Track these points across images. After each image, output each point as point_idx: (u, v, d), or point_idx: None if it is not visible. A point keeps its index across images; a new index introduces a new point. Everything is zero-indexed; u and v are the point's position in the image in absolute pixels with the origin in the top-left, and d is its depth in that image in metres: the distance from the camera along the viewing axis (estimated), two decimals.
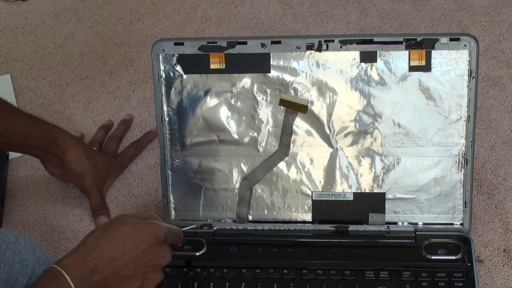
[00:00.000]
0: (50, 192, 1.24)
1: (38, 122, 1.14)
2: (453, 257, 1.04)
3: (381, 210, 1.09)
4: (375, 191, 1.09)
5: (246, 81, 1.07)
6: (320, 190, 1.10)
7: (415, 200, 1.08)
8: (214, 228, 1.11)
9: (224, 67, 1.06)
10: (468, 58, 1.02)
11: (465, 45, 1.01)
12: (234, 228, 1.11)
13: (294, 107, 1.07)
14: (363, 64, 1.04)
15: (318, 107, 1.07)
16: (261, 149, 1.10)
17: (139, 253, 0.90)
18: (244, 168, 1.10)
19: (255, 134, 1.09)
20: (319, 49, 1.04)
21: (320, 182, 1.10)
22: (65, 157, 1.15)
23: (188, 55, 1.06)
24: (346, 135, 1.08)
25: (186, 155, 1.11)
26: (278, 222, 1.11)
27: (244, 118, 1.09)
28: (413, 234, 1.07)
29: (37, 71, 1.48)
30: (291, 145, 1.09)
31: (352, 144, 1.08)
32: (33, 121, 1.13)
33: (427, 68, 1.03)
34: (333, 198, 1.10)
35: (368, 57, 1.04)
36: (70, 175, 1.17)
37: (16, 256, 0.93)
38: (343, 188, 1.09)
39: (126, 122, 1.33)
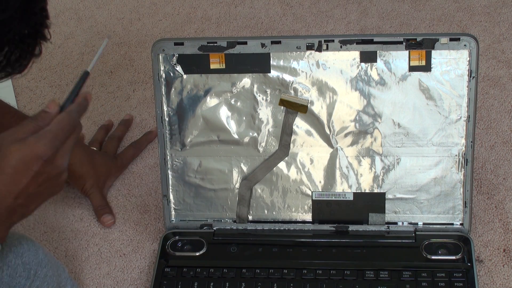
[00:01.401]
0: None
1: None
2: (453, 257, 1.04)
3: (381, 210, 1.09)
4: (375, 191, 1.09)
5: (246, 81, 1.07)
6: (320, 190, 1.10)
7: (415, 200, 1.08)
8: (214, 228, 1.11)
9: (224, 67, 1.06)
10: (468, 58, 1.02)
11: (465, 45, 1.01)
12: (234, 228, 1.11)
13: (294, 107, 1.07)
14: (363, 64, 1.04)
15: (318, 107, 1.07)
16: (261, 149, 1.10)
17: (32, 180, 0.81)
18: (244, 168, 1.10)
19: (255, 134, 1.09)
20: (319, 49, 1.04)
21: (320, 182, 1.10)
22: None
23: (188, 55, 1.06)
24: (346, 135, 1.08)
25: (186, 155, 1.11)
26: (278, 222, 1.11)
27: (244, 118, 1.09)
28: (413, 234, 1.07)
29: (37, 71, 1.48)
30: (291, 145, 1.09)
31: (352, 144, 1.08)
32: None
33: (427, 68, 1.03)
34: (333, 198, 1.10)
35: (368, 57, 1.04)
36: (70, 177, 1.17)
37: (19, 259, 0.93)
38: (343, 188, 1.09)
39: (126, 122, 1.33)
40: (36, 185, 0.82)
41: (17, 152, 0.80)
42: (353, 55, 1.04)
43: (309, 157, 1.09)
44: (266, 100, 1.08)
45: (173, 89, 1.08)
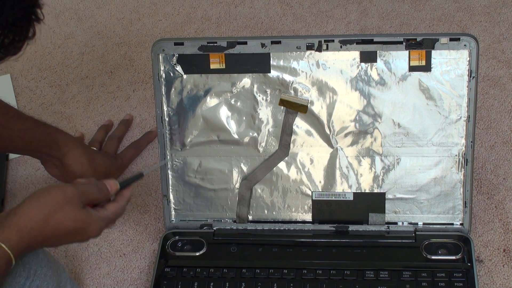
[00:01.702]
0: None
1: (40, 126, 1.14)
2: (453, 257, 1.04)
3: (381, 210, 1.09)
4: (375, 191, 1.09)
5: (246, 81, 1.07)
6: (320, 190, 1.10)
7: (415, 200, 1.08)
8: (214, 228, 1.11)
9: (224, 67, 1.06)
10: (468, 58, 1.02)
11: (465, 45, 1.01)
12: (234, 228, 1.11)
13: (294, 107, 1.07)
14: (363, 64, 1.04)
15: (318, 107, 1.07)
16: (261, 149, 1.10)
17: (72, 239, 0.91)
18: (244, 168, 1.10)
19: (255, 134, 1.09)
20: (319, 49, 1.04)
21: (320, 182, 1.10)
22: (66, 159, 1.15)
23: (188, 55, 1.06)
24: (346, 135, 1.08)
25: (186, 155, 1.11)
26: (278, 222, 1.11)
27: (244, 118, 1.09)
28: (413, 234, 1.08)
29: (37, 71, 1.48)
30: (291, 145, 1.09)
31: (352, 144, 1.08)
32: (35, 125, 1.13)
33: (427, 68, 1.03)
34: (333, 198, 1.10)
35: (368, 57, 1.04)
36: (70, 178, 1.17)
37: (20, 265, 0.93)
38: (343, 188, 1.09)
39: (126, 122, 1.33)
40: (66, 241, 0.91)
41: (81, 222, 0.88)
42: (353, 55, 1.04)
43: (309, 157, 1.09)
44: (266, 100, 1.08)
45: (173, 89, 1.08)
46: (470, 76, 1.02)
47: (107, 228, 0.95)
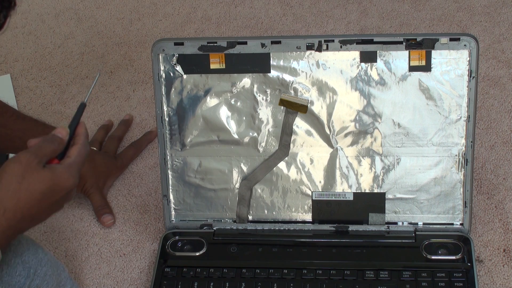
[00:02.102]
0: None
1: (39, 126, 1.14)
2: (453, 257, 1.04)
3: (381, 210, 1.09)
4: (375, 191, 1.09)
5: (246, 81, 1.07)
6: (320, 190, 1.10)
7: (415, 200, 1.08)
8: (214, 228, 1.11)
9: (224, 67, 1.06)
10: (468, 58, 1.02)
11: (465, 45, 1.01)
12: (234, 228, 1.11)
13: (294, 107, 1.07)
14: (363, 64, 1.04)
15: (318, 107, 1.07)
16: (261, 149, 1.10)
17: (51, 204, 0.87)
18: (244, 168, 1.10)
19: (255, 134, 1.09)
20: (319, 49, 1.04)
21: (320, 182, 1.10)
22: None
23: (188, 55, 1.06)
24: (346, 135, 1.08)
25: (186, 155, 1.11)
26: (278, 222, 1.11)
27: (244, 118, 1.09)
28: (413, 234, 1.08)
29: (37, 71, 1.48)
30: (291, 145, 1.09)
31: (352, 144, 1.08)
32: (34, 125, 1.13)
33: (427, 68, 1.03)
34: (333, 198, 1.10)
35: (368, 57, 1.04)
36: None
37: (18, 258, 0.93)
38: (343, 188, 1.09)
39: (126, 122, 1.33)
40: (51, 207, 0.87)
41: (48, 181, 0.84)
42: (353, 55, 1.04)
43: (309, 157, 1.09)
44: (266, 100, 1.08)
45: (173, 89, 1.08)
46: (470, 76, 1.02)
47: (80, 172, 0.90)
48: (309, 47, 1.04)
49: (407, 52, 1.03)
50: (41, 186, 0.84)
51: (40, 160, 0.85)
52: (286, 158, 1.09)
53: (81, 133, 0.92)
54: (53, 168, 0.86)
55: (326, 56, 1.04)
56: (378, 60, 1.04)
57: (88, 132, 0.93)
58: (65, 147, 0.90)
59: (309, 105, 1.07)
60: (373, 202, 1.09)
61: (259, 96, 1.08)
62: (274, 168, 1.10)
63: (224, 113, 1.09)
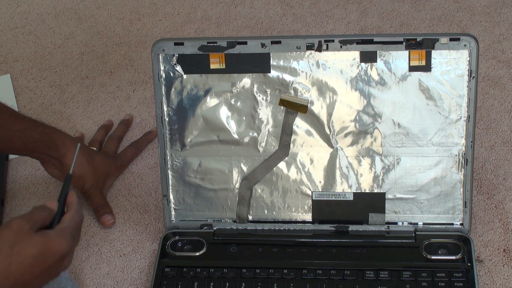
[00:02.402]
0: (50, 192, 1.24)
1: (38, 126, 1.14)
2: (453, 257, 1.04)
3: (381, 210, 1.09)
4: (375, 191, 1.09)
5: (246, 81, 1.07)
6: (320, 190, 1.10)
7: (415, 200, 1.08)
8: (214, 228, 1.11)
9: (224, 67, 1.07)
10: (468, 58, 1.02)
11: (465, 45, 1.01)
12: (234, 228, 1.11)
13: (294, 107, 1.07)
14: (363, 64, 1.04)
15: (318, 107, 1.07)
16: (261, 149, 1.10)
17: (46, 268, 0.87)
18: (244, 168, 1.10)
19: (255, 134, 1.09)
20: (319, 49, 1.04)
21: (320, 182, 1.10)
22: (65, 160, 1.15)
23: (188, 55, 1.06)
24: (346, 135, 1.08)
25: (186, 155, 1.11)
26: (278, 222, 1.11)
27: (244, 118, 1.09)
28: (413, 234, 1.08)
29: (37, 71, 1.48)
30: (291, 145, 1.09)
31: (352, 144, 1.08)
32: (33, 125, 1.13)
33: (427, 68, 1.03)
34: (333, 198, 1.10)
35: (368, 57, 1.04)
36: None
37: None
38: (343, 188, 1.09)
39: (126, 122, 1.33)
40: (45, 274, 0.87)
41: (39, 244, 0.85)
42: (353, 55, 1.04)
43: (309, 157, 1.09)
44: (266, 100, 1.08)
45: (173, 89, 1.08)
46: (470, 76, 1.02)
47: (76, 239, 0.91)
48: (309, 47, 1.04)
49: (407, 52, 1.03)
50: (32, 250, 0.84)
51: (31, 225, 0.86)
52: (286, 158, 1.09)
53: (72, 201, 0.94)
54: (44, 232, 0.87)
55: (326, 56, 1.04)
56: (378, 60, 1.04)
57: (77, 200, 0.94)
58: (55, 218, 0.91)
59: (309, 105, 1.07)
60: (373, 202, 1.09)
61: (259, 96, 1.08)
62: (274, 168, 1.10)
63: (224, 113, 1.09)
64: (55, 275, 0.89)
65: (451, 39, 1.01)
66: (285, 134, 1.08)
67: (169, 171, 1.11)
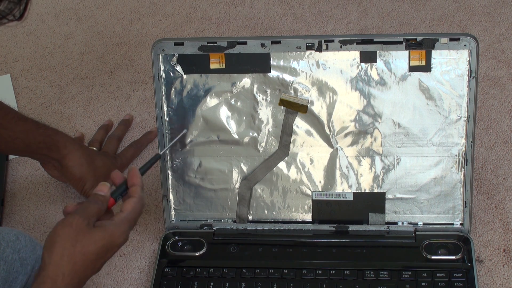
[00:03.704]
0: (50, 192, 1.24)
1: (40, 128, 1.14)
2: (453, 257, 1.04)
3: (381, 210, 1.09)
4: (375, 191, 1.09)
5: (246, 81, 1.07)
6: (320, 190, 1.10)
7: (415, 200, 1.08)
8: (214, 228, 1.11)
9: (224, 67, 1.07)
10: (468, 58, 1.02)
11: (465, 45, 1.01)
12: (234, 228, 1.11)
13: (294, 107, 1.07)
14: (363, 64, 1.04)
15: (318, 107, 1.07)
16: (261, 149, 1.10)
17: (106, 259, 0.90)
18: (244, 168, 1.10)
19: (255, 134, 1.09)
20: (319, 49, 1.04)
21: (320, 182, 1.10)
22: (65, 161, 1.15)
23: (188, 55, 1.06)
24: (346, 135, 1.08)
25: (186, 155, 1.11)
26: (278, 222, 1.11)
27: (244, 118, 1.09)
28: (413, 234, 1.08)
29: (37, 71, 1.48)
30: (291, 145, 1.09)
31: (352, 144, 1.08)
32: (35, 126, 1.13)
33: (427, 68, 1.03)
34: (333, 198, 1.10)
35: (368, 57, 1.04)
36: (70, 179, 1.17)
37: (16, 254, 0.93)
38: (343, 188, 1.09)
39: (126, 122, 1.33)
40: (104, 263, 0.89)
41: (101, 240, 0.86)
42: (353, 55, 1.04)
43: (309, 157, 1.09)
44: (266, 100, 1.08)
45: (173, 89, 1.08)
46: (470, 76, 1.02)
47: (132, 228, 0.92)
48: (309, 47, 1.04)
49: (407, 52, 1.03)
50: (95, 247, 0.86)
51: (88, 221, 0.87)
52: (286, 158, 1.09)
53: (137, 184, 0.94)
54: (104, 226, 0.88)
55: (326, 56, 1.04)
56: (378, 60, 1.04)
57: (142, 184, 0.94)
58: (122, 189, 0.93)
59: (309, 105, 1.07)
60: (373, 202, 1.09)
61: (259, 96, 1.08)
62: (274, 168, 1.10)
63: (224, 113, 1.09)
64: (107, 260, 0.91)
65: (451, 39, 1.01)
66: (285, 134, 1.08)
67: (169, 171, 1.11)
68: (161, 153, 1.00)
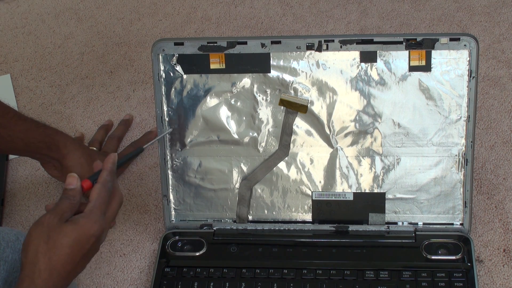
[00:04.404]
0: (50, 192, 1.24)
1: (40, 127, 1.14)
2: (453, 257, 1.04)
3: (381, 210, 1.09)
4: (375, 191, 1.09)
5: (246, 81, 1.07)
6: (320, 190, 1.10)
7: (415, 200, 1.08)
8: (214, 228, 1.11)
9: (224, 67, 1.07)
10: (468, 58, 1.02)
11: (465, 45, 1.01)
12: (234, 228, 1.11)
13: (294, 107, 1.07)
14: (363, 64, 1.04)
15: (318, 107, 1.07)
16: (261, 149, 1.10)
17: (86, 252, 0.89)
18: (244, 168, 1.10)
19: (255, 134, 1.09)
20: (319, 49, 1.04)
21: (320, 182, 1.10)
22: (65, 161, 1.15)
23: (188, 55, 1.06)
24: (346, 135, 1.08)
25: (186, 155, 1.11)
26: (278, 222, 1.11)
27: (244, 118, 1.09)
28: (413, 234, 1.08)
29: (37, 71, 1.48)
30: (291, 145, 1.09)
31: (352, 144, 1.08)
32: (35, 126, 1.13)
33: (427, 68, 1.03)
34: (333, 198, 1.10)
35: (368, 57, 1.04)
36: None
37: (16, 254, 0.93)
38: (343, 188, 1.09)
39: (126, 122, 1.33)
40: (85, 257, 0.88)
41: (72, 232, 0.86)
42: (353, 55, 1.04)
43: (309, 157, 1.09)
44: (266, 100, 1.08)
45: (173, 89, 1.08)
46: (470, 76, 1.02)
47: (110, 214, 0.91)
48: (309, 47, 1.04)
49: (407, 52, 1.03)
50: (67, 240, 0.86)
51: (60, 217, 0.87)
52: (286, 158, 1.09)
53: (105, 168, 0.93)
54: (74, 220, 0.88)
55: (326, 56, 1.04)
56: (378, 60, 1.04)
57: (108, 171, 0.93)
58: (98, 174, 0.92)
59: (309, 105, 1.07)
60: (373, 202, 1.09)
61: (259, 96, 1.08)
62: (274, 168, 1.10)
63: (224, 113, 1.09)
64: (95, 252, 0.90)
65: (451, 39, 1.01)
66: (285, 134, 1.08)
67: (169, 171, 1.11)
68: (144, 147, 1.00)
